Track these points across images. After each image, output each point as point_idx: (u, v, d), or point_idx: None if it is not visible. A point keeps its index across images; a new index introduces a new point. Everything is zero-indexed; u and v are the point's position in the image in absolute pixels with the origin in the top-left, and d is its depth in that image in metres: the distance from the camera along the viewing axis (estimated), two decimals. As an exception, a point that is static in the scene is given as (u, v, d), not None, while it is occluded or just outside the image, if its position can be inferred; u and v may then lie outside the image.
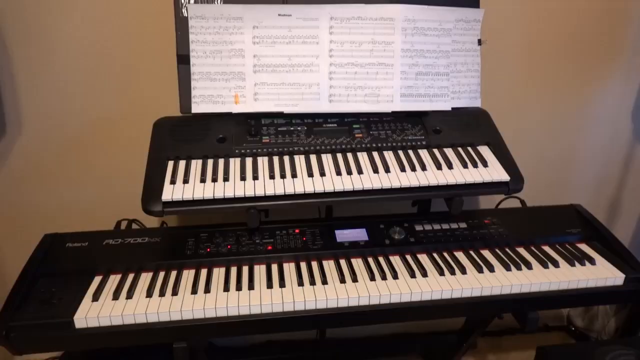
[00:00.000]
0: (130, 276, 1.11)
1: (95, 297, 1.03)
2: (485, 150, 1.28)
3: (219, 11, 1.25)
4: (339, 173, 1.17)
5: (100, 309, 1.00)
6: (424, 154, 1.26)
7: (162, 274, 1.12)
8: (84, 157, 1.52)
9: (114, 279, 1.10)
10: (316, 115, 1.31)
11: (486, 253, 1.21)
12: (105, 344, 1.02)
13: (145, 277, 1.11)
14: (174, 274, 1.12)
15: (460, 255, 1.20)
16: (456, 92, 1.38)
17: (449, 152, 1.27)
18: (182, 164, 1.18)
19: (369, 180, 1.16)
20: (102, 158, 1.52)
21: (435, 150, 1.27)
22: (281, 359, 1.72)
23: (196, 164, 1.19)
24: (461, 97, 1.39)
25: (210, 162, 1.19)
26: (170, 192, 1.10)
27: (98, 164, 1.53)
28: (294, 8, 1.27)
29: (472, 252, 1.21)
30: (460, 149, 1.28)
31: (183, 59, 1.26)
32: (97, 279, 1.10)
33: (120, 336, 1.00)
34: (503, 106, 1.54)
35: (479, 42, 1.39)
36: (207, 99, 1.27)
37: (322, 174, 1.17)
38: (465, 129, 1.32)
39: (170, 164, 1.18)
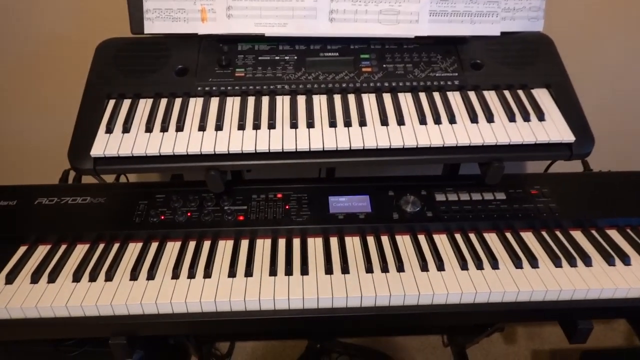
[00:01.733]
0: (62, 249, 0.87)
1: (10, 279, 0.81)
2: (543, 95, 0.92)
3: None
4: (333, 124, 0.85)
5: (12, 297, 0.78)
6: (455, 98, 0.91)
7: (100, 248, 0.87)
8: (26, 85, 1.24)
9: (40, 252, 0.87)
10: (311, 40, 0.96)
11: (529, 237, 0.90)
12: (19, 336, 0.82)
13: (80, 252, 0.87)
14: (115, 247, 0.87)
15: (492, 238, 0.89)
16: (509, 10, 0.99)
17: (490, 96, 0.92)
18: (125, 104, 0.89)
19: (374, 136, 0.84)
20: (48, 87, 1.24)
21: (472, 94, 0.92)
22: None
23: (144, 105, 0.89)
24: (515, 18, 1.00)
25: (162, 102, 0.89)
26: (103, 145, 0.82)
27: (43, 95, 1.25)
28: None
29: (509, 235, 0.90)
30: (507, 93, 0.92)
31: (129, -41, 0.92)
32: (21, 251, 0.87)
33: (36, 329, 0.78)
34: (567, 32, 1.14)
35: None
36: (164, 15, 0.94)
37: (310, 124, 0.85)
38: (517, 63, 0.95)
39: (111, 104, 0.89)
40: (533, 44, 0.98)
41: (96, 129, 0.85)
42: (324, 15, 0.95)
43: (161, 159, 0.83)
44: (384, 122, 0.86)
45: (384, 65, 0.94)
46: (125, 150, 0.82)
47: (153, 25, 0.94)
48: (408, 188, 0.96)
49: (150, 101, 0.90)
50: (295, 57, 0.95)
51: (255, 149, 0.82)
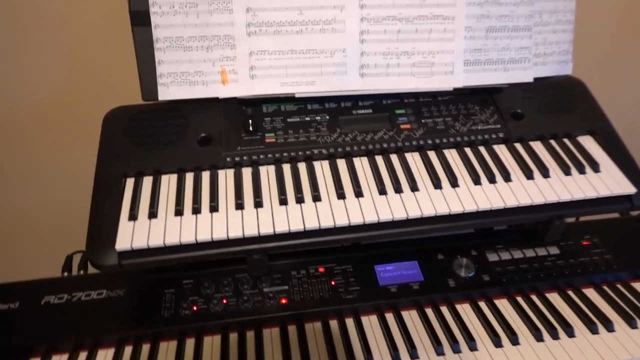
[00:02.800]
0: (81, 358, 0.75)
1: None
2: (590, 143, 0.88)
3: (190, -60, 0.81)
4: (382, 191, 0.78)
5: None
6: (503, 152, 0.86)
7: (127, 353, 0.75)
8: (21, 152, 1.11)
9: (55, 365, 0.74)
10: (341, 96, 0.89)
11: (592, 295, 0.84)
12: None
13: (103, 359, 0.75)
14: (145, 351, 0.75)
15: (556, 299, 0.84)
16: (540, 55, 0.96)
17: (538, 148, 0.87)
18: (146, 184, 0.79)
19: (430, 202, 0.77)
20: (48, 155, 1.11)
21: (519, 147, 0.87)
22: None
23: (168, 183, 0.79)
24: (547, 63, 0.97)
25: (188, 178, 0.80)
26: (129, 237, 0.71)
27: (43, 163, 1.12)
28: None
29: (572, 295, 0.84)
30: (554, 143, 0.88)
31: (139, 18, 0.83)
32: (30, 367, 0.74)
33: None
34: (587, 71, 1.12)
35: (574, -22, 0.96)
36: (180, 79, 0.85)
37: (359, 193, 0.78)
38: (557, 110, 0.92)
39: (129, 184, 0.79)
40: (567, 88, 0.95)
41: (117, 216, 0.74)
42: (354, 70, 0.88)
43: (197, 246, 0.72)
44: (437, 185, 0.79)
45: (423, 121, 0.88)
46: (156, 240, 0.71)
47: (168, 91, 0.85)
48: (456, 249, 0.89)
49: (174, 178, 0.80)
50: (327, 117, 0.87)
51: (304, 227, 0.73)
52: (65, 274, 0.91)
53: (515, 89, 0.93)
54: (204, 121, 0.85)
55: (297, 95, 0.85)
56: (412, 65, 0.89)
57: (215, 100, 0.86)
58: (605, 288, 0.86)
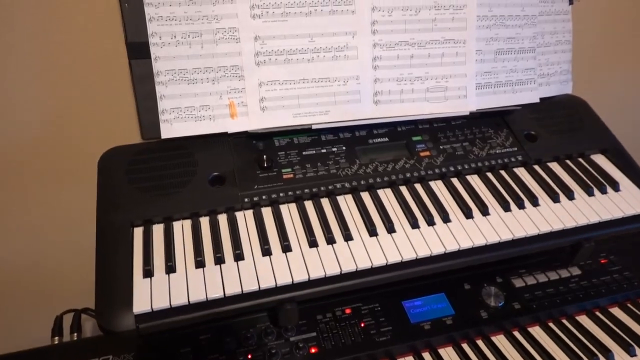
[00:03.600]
0: None
1: None
2: (603, 162, 0.89)
3: (193, -35, 0.75)
4: (415, 225, 0.74)
5: None
6: (524, 176, 0.85)
7: None
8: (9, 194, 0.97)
9: None
10: (356, 126, 0.85)
11: (620, 314, 0.84)
12: None
13: None
14: None
15: (586, 322, 0.82)
16: (544, 76, 0.97)
17: (557, 169, 0.86)
18: (157, 233, 0.71)
19: (465, 233, 0.73)
20: (32, 199, 0.99)
21: (539, 169, 0.86)
22: None
23: (182, 231, 0.71)
24: (550, 83, 0.98)
25: (204, 224, 0.72)
26: (147, 297, 0.63)
27: (26, 209, 1.00)
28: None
29: (600, 316, 0.83)
30: (570, 163, 0.88)
31: (137, 50, 0.75)
32: None
33: None
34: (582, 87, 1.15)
35: (570, 0, 0.97)
36: (184, 115, 0.78)
37: (391, 229, 0.73)
38: (567, 130, 0.92)
39: (138, 235, 0.70)
40: (573, 108, 0.96)
41: (128, 273, 0.65)
42: (368, 98, 0.84)
43: (225, 300, 0.65)
44: (468, 214, 0.76)
45: (441, 147, 0.85)
46: (180, 298, 0.63)
47: (172, 128, 0.78)
48: (481, 277, 0.86)
49: (188, 224, 0.72)
50: (344, 148, 0.83)
51: (341, 270, 0.68)
52: (57, 338, 0.80)
53: (523, 110, 0.92)
54: (213, 159, 0.78)
55: (314, 127, 0.80)
56: (426, 91, 0.86)
57: (222, 136, 0.80)
58: (630, 306, 0.86)
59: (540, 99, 0.95)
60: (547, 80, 0.97)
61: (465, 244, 0.72)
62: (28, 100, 0.82)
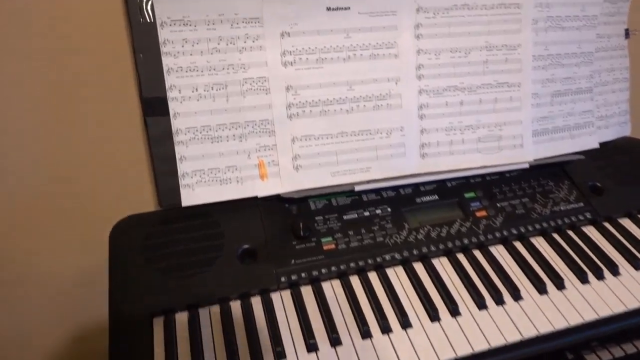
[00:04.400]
0: None
1: None
2: (681, 217, 0.79)
3: (216, 7, 0.65)
4: (482, 305, 0.63)
5: None
6: (596, 237, 0.74)
7: None
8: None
9: None
10: (400, 184, 0.75)
11: None
12: None
13: None
14: None
15: (678, 407, 0.71)
16: (602, 118, 0.87)
17: (632, 228, 0.76)
18: (181, 325, 0.59)
19: (541, 313, 0.62)
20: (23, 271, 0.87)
21: (611, 228, 0.75)
22: None
23: (210, 322, 0.60)
24: (609, 125, 0.88)
25: (236, 312, 0.61)
26: (174, 414, 0.52)
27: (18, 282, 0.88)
28: (357, -5, 0.69)
29: (693, 398, 0.72)
30: (645, 220, 0.78)
31: (154, 106, 0.65)
32: None
33: None
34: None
35: (627, 33, 0.88)
36: (208, 177, 0.68)
37: (454, 311, 0.62)
38: (633, 180, 0.82)
39: (158, 327, 0.58)
40: (633, 151, 0.86)
41: (148, 379, 0.54)
42: (414, 151, 0.74)
43: (266, 413, 0.54)
44: (541, 289, 0.65)
45: (498, 205, 0.75)
46: (213, 415, 0.52)
47: (194, 194, 0.67)
48: (550, 356, 0.75)
49: (216, 312, 0.60)
50: (389, 210, 0.72)
51: (404, 368, 0.57)
52: None
53: (584, 158, 0.82)
54: (242, 228, 0.67)
55: (357, 189, 0.70)
56: (477, 141, 0.77)
57: (251, 199, 0.69)
58: None
59: (599, 143, 0.85)
60: (605, 122, 0.87)
61: (545, 328, 0.61)
62: (35, 154, 0.71)
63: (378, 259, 0.67)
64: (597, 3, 0.81)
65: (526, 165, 0.77)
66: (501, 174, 0.79)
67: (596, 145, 0.84)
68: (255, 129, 0.69)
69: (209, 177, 0.68)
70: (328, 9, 0.68)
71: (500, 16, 0.74)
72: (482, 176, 0.79)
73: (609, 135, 0.87)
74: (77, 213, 0.73)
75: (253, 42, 0.67)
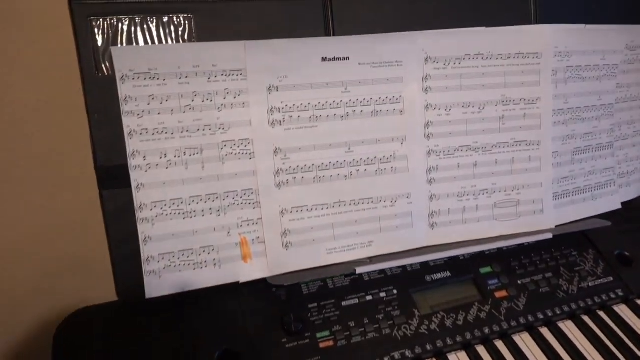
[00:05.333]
0: None
1: None
2: None
3: (190, 58, 0.54)
4: (513, 417, 0.52)
5: None
6: (630, 317, 0.64)
7: None
8: None
9: None
10: (409, 263, 0.64)
11: None
12: None
13: None
14: None
15: None
16: (623, 175, 0.79)
17: (669, 306, 0.67)
18: None
19: None
20: None
21: (646, 307, 0.66)
22: None
23: None
24: (631, 183, 0.80)
25: None
26: None
27: None
28: (353, 44, 0.59)
29: None
30: (682, 296, 0.68)
31: (112, 177, 0.53)
32: None
33: None
34: None
35: (645, 81, 0.81)
36: (179, 261, 0.56)
37: None
38: (665, 247, 0.73)
39: None
40: (661, 213, 0.78)
41: None
42: (422, 221, 0.64)
43: None
44: (579, 390, 0.55)
45: (519, 282, 0.65)
46: None
47: (160, 283, 0.55)
48: None
49: None
50: (395, 292, 0.61)
51: None
52: None
53: (610, 224, 0.73)
54: (220, 325, 0.55)
55: (359, 271, 0.59)
56: (493, 206, 0.67)
57: (231, 286, 0.57)
58: None
59: (622, 203, 0.77)
60: (627, 180, 0.79)
61: None
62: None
63: (385, 358, 0.55)
64: (618, 51, 0.73)
65: (549, 236, 0.67)
66: (519, 244, 0.69)
67: (618, 206, 0.76)
68: (236, 200, 0.57)
69: (180, 261, 0.55)
70: (324, 59, 0.58)
71: (517, 67, 0.65)
72: (499, 248, 0.69)
73: (632, 193, 0.79)
74: (20, 306, 0.59)
75: (234, 98, 0.56)
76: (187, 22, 0.54)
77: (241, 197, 0.57)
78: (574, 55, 0.69)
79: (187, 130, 0.55)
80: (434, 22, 0.63)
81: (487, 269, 0.66)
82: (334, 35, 0.60)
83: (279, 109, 0.57)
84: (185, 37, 0.55)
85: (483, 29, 0.63)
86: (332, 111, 0.59)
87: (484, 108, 0.65)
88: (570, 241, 0.71)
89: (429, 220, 0.64)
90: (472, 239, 0.66)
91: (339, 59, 0.58)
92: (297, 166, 0.59)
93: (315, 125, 0.59)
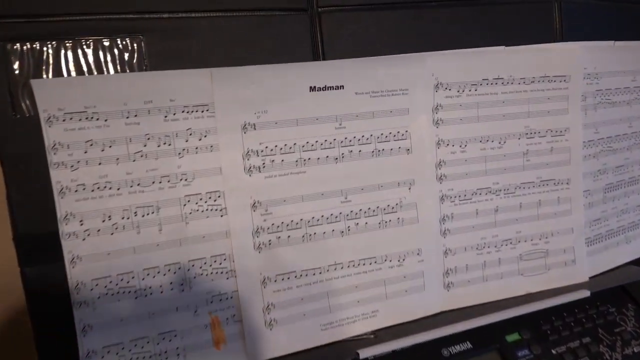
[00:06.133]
0: None
1: None
2: None
3: (139, 89, 0.42)
4: None
5: None
6: (689, 393, 0.54)
7: None
8: None
9: None
10: (422, 341, 0.52)
11: None
12: None
13: None
14: None
15: None
16: (658, 211, 0.69)
17: None
18: None
19: None
20: None
21: None
22: None
23: None
24: (666, 219, 0.70)
25: None
26: None
27: None
28: (348, 69, 0.48)
29: None
30: None
31: (36, 249, 0.40)
32: None
33: None
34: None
35: (674, 103, 0.71)
36: (129, 356, 0.43)
37: None
38: None
39: None
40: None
41: None
42: (436, 281, 0.52)
43: None
44: None
45: (553, 351, 0.53)
46: None
47: (106, 384, 0.42)
48: None
49: None
50: (407, 373, 0.49)
51: None
52: None
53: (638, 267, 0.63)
54: None
55: (362, 356, 0.47)
56: (518, 259, 0.56)
57: (201, 379, 0.45)
58: None
59: (655, 243, 0.66)
60: (661, 216, 0.69)
61: None
62: None
63: None
64: (649, 70, 0.63)
65: (587, 294, 0.56)
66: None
67: (654, 249, 0.66)
68: (205, 270, 0.45)
69: (133, 354, 0.43)
70: (312, 88, 0.46)
71: (543, 92, 0.54)
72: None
73: (666, 232, 0.69)
74: None
75: (200, 140, 0.44)
76: (135, 45, 0.42)
77: (211, 266, 0.45)
78: (603, 77, 0.59)
79: (138, 184, 0.42)
80: (443, 41, 0.52)
81: (515, 336, 0.54)
82: (324, 58, 0.48)
83: (257, 151, 0.46)
84: (134, 65, 0.42)
85: (502, 48, 0.53)
86: (324, 152, 0.47)
87: (504, 142, 0.54)
88: (606, 295, 0.60)
89: (444, 280, 0.53)
90: (495, 299, 0.55)
91: (331, 87, 0.47)
92: (282, 222, 0.47)
93: (302, 170, 0.47)
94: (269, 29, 0.47)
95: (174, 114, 0.43)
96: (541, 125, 0.55)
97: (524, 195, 0.55)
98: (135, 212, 0.42)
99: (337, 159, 0.48)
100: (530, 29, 0.56)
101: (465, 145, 0.53)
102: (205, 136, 0.44)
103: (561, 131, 0.56)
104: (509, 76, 0.53)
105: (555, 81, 0.55)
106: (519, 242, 0.56)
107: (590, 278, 0.59)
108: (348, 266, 0.49)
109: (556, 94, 0.55)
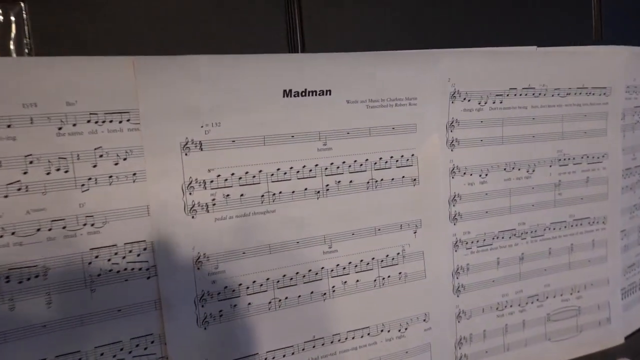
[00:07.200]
0: None
1: None
2: None
3: (17, 85, 0.27)
4: None
5: None
6: None
7: None
8: None
9: None
10: (422, 414, 0.39)
11: None
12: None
13: None
14: None
15: None
16: (687, 250, 0.58)
17: None
18: None
19: None
20: None
21: None
22: None
23: None
24: (694, 259, 0.60)
25: None
26: None
27: None
28: (337, 66, 0.34)
29: None
30: None
31: None
32: None
33: None
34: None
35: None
36: None
37: None
38: None
39: None
40: None
41: None
42: (446, 355, 0.39)
43: None
44: None
45: None
46: None
47: None
48: None
49: None
50: None
51: None
52: None
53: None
54: None
55: None
56: (546, 320, 0.43)
57: None
58: None
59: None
60: (691, 257, 0.59)
61: None
62: None
63: None
64: (686, 84, 0.53)
65: (630, 365, 0.45)
66: (577, 369, 0.46)
67: (686, 295, 0.55)
68: (126, 357, 0.30)
69: None
70: (287, 93, 0.32)
71: (579, 107, 0.43)
72: (550, 377, 0.45)
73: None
74: None
75: (116, 164, 0.29)
76: (12, 16, 0.27)
77: (130, 353, 0.30)
78: (642, 89, 0.48)
79: (12, 233, 0.27)
80: (463, 35, 0.39)
81: (543, 423, 0.42)
82: (303, 50, 0.35)
83: (205, 182, 0.31)
84: (10, 46, 0.27)
85: (533, 48, 0.41)
86: (301, 183, 0.33)
87: (533, 171, 0.42)
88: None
89: (456, 353, 0.40)
90: (518, 374, 0.42)
91: (313, 92, 0.33)
92: (240, 285, 0.32)
93: (271, 209, 0.33)
94: (228, 5, 0.33)
95: (74, 125, 0.28)
96: (576, 150, 0.43)
97: (554, 238, 0.43)
98: (7, 278, 0.27)
99: (319, 192, 0.34)
100: (563, 25, 0.44)
101: (486, 175, 0.40)
102: (125, 159, 0.29)
103: (598, 157, 0.44)
104: (541, 86, 0.41)
105: (594, 94, 0.43)
106: (547, 298, 0.43)
107: (625, 339, 0.48)
108: (332, 342, 0.35)
109: (594, 110, 0.44)
